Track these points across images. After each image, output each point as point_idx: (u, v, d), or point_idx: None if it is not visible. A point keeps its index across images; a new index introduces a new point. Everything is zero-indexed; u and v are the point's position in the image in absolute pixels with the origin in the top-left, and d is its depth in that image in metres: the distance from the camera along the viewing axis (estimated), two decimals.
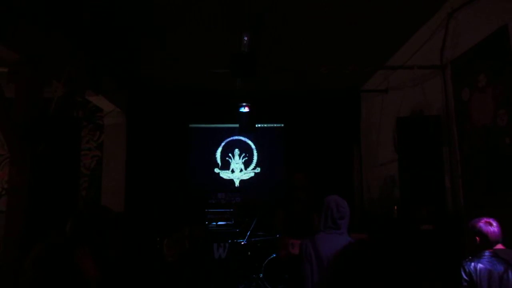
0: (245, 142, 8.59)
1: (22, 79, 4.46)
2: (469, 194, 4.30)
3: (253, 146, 8.58)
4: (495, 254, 2.81)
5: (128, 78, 7.28)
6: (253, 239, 6.73)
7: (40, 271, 2.57)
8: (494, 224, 2.88)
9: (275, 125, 8.59)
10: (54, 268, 2.56)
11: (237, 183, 8.44)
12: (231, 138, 8.58)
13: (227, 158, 8.51)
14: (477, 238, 2.90)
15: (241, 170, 8.49)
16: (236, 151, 8.54)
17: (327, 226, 2.89)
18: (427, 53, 5.13)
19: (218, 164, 8.49)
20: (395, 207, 5.50)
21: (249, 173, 8.49)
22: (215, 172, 8.45)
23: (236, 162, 8.50)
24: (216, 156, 8.50)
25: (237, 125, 7.47)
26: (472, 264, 2.82)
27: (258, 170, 8.51)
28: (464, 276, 2.83)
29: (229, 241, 6.86)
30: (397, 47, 6.00)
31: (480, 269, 2.78)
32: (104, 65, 6.38)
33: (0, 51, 4.15)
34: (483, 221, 2.92)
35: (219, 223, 7.19)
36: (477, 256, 2.85)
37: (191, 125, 8.45)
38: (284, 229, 5.64)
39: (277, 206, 5.84)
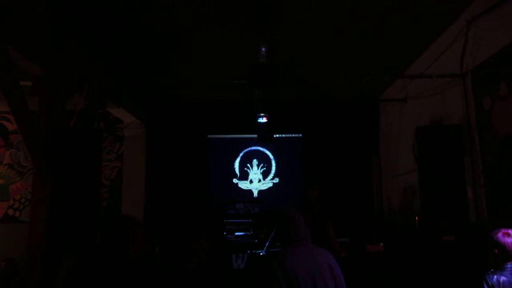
0: (263, 152, 8.59)
1: (45, 92, 4.57)
2: (492, 205, 4.20)
3: (271, 157, 8.58)
4: None
5: (147, 90, 7.40)
6: (271, 250, 6.69)
7: (73, 284, 2.60)
8: None
9: (293, 135, 8.57)
10: (87, 282, 2.59)
11: (255, 194, 8.44)
12: (250, 149, 8.59)
13: (245, 169, 8.52)
14: (496, 249, 2.84)
15: (259, 181, 8.49)
16: (255, 161, 8.55)
17: (291, 240, 2.79)
18: (447, 61, 5.07)
19: (236, 174, 8.51)
20: (417, 218, 5.41)
21: (267, 184, 8.48)
22: (234, 183, 8.47)
23: (255, 172, 8.50)
24: (235, 166, 8.53)
25: (255, 135, 7.46)
26: (495, 276, 2.75)
27: (276, 180, 8.49)
28: None
29: (248, 251, 6.83)
30: (416, 56, 5.95)
31: (504, 282, 2.71)
32: (124, 78, 6.50)
33: (24, 65, 4.27)
34: (501, 232, 2.85)
35: (238, 233, 7.18)
36: (500, 269, 2.78)
37: (209, 136, 8.50)
38: None
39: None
